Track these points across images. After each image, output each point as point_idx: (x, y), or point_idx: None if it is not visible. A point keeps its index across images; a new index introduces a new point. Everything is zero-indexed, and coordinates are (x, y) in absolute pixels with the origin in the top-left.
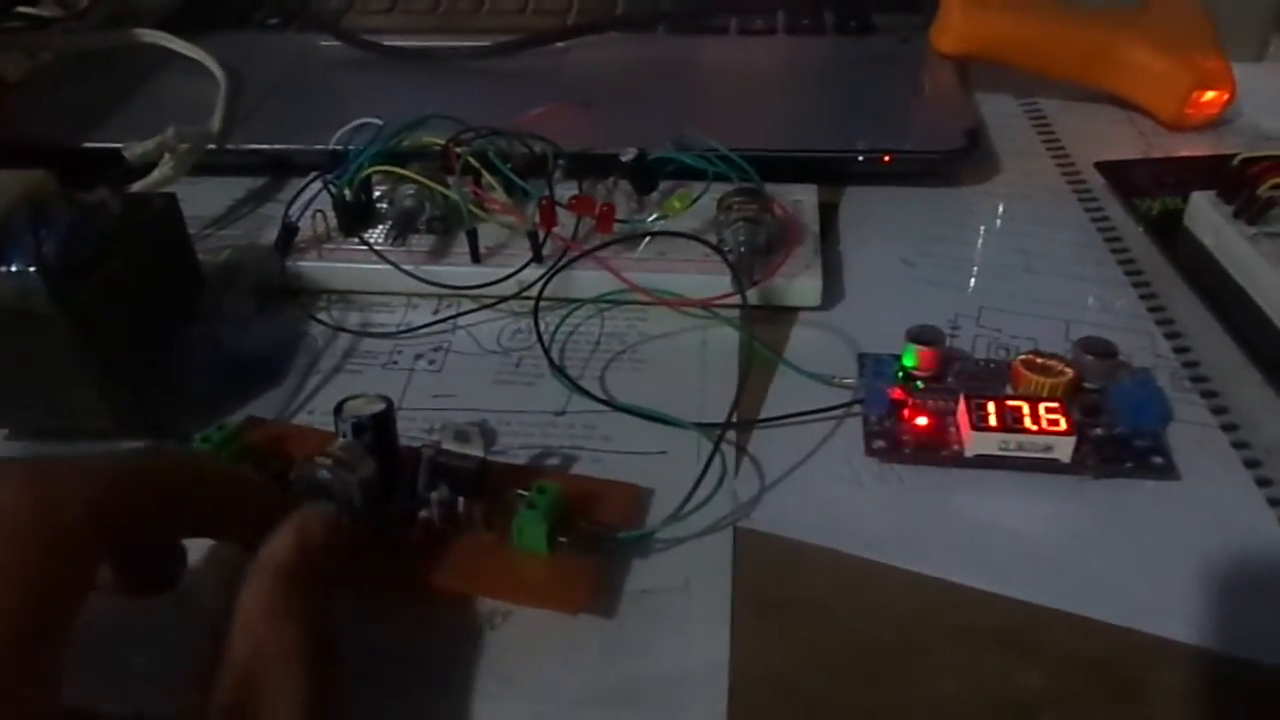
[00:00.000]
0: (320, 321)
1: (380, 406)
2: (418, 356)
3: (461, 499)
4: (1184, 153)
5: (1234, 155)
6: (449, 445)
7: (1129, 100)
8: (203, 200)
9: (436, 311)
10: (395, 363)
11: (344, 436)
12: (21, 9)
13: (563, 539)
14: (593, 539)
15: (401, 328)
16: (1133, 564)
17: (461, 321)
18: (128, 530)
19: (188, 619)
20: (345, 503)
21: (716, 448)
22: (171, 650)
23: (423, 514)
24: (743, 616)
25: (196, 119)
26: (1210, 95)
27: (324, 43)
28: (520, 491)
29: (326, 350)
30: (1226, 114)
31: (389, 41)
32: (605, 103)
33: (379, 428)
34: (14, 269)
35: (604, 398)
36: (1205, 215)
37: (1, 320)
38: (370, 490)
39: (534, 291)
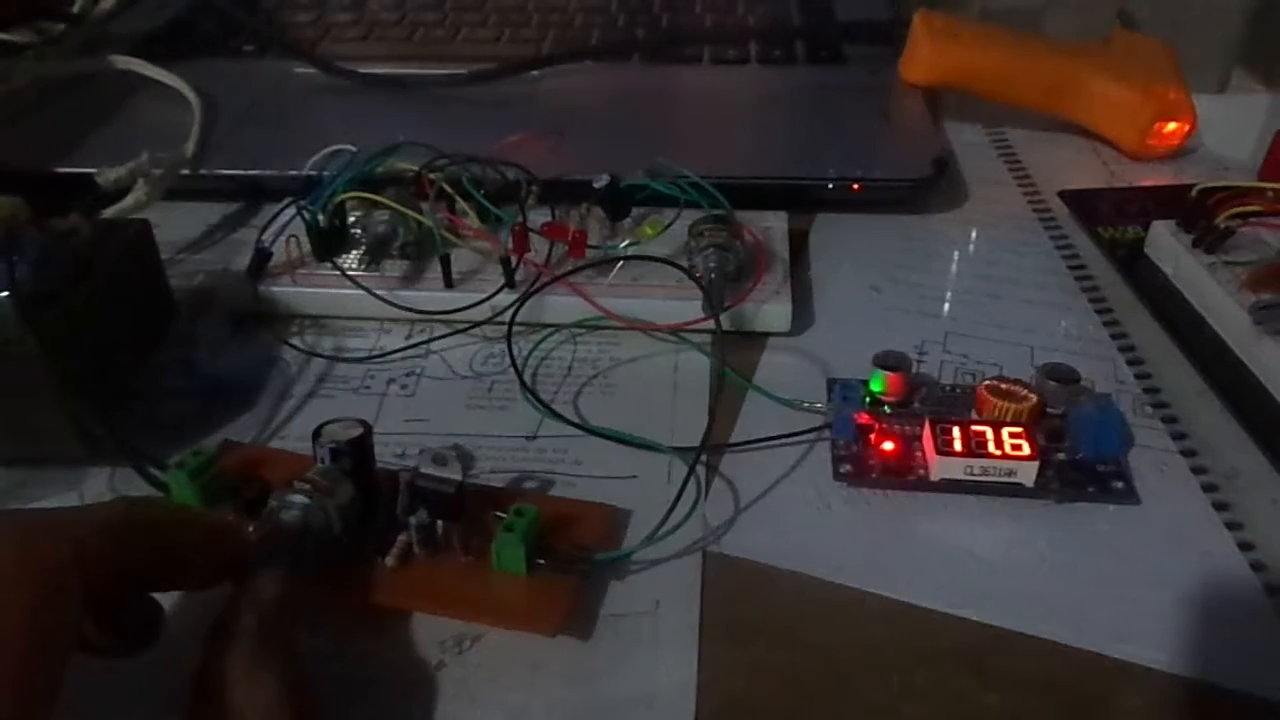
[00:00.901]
0: (293, 346)
1: (358, 431)
2: (390, 381)
3: (440, 522)
4: (1146, 182)
5: (1193, 185)
6: (427, 469)
7: (1093, 130)
8: (176, 225)
9: (409, 336)
10: (368, 387)
11: (322, 461)
12: (2, 36)
13: (540, 561)
14: (570, 561)
15: (374, 352)
16: (1094, 587)
17: (434, 346)
18: (110, 581)
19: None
20: (323, 528)
21: (691, 471)
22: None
23: (401, 537)
24: (710, 640)
25: (171, 144)
26: (1172, 126)
27: (299, 69)
28: (498, 514)
29: (300, 375)
30: (1188, 144)
31: (364, 69)
32: (578, 130)
33: (357, 452)
34: None
35: (577, 421)
36: (1165, 244)
37: None
38: (348, 515)
39: (507, 316)
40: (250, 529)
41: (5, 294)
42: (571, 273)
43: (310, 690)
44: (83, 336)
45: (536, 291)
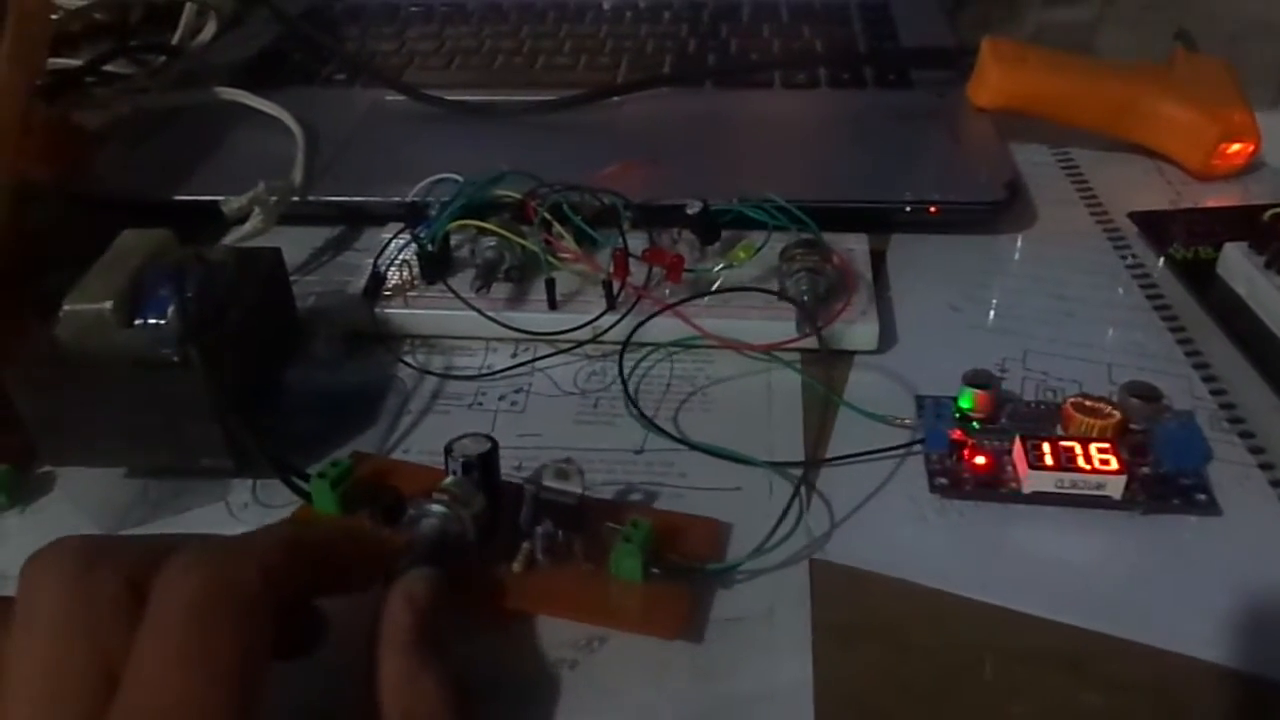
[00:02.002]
0: (408, 364)
1: (487, 446)
2: (500, 398)
3: (562, 532)
4: (1211, 202)
5: (1264, 207)
6: (549, 482)
7: (1158, 151)
8: (286, 249)
9: (515, 355)
10: (480, 404)
11: (454, 474)
12: (105, 68)
13: (655, 570)
14: (682, 570)
15: (483, 370)
16: (1182, 594)
17: (539, 365)
18: (292, 595)
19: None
20: (459, 536)
21: (800, 486)
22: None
23: (525, 546)
24: (821, 642)
25: (277, 172)
26: (1236, 147)
27: (389, 97)
28: (613, 525)
29: (415, 392)
30: (1252, 163)
31: (450, 95)
32: (663, 155)
33: (485, 466)
34: (150, 321)
35: (679, 436)
36: (1238, 265)
37: (135, 369)
38: (481, 524)
39: (609, 336)
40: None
41: (164, 321)
42: (680, 303)
43: (470, 696)
44: (234, 357)
45: (650, 318)
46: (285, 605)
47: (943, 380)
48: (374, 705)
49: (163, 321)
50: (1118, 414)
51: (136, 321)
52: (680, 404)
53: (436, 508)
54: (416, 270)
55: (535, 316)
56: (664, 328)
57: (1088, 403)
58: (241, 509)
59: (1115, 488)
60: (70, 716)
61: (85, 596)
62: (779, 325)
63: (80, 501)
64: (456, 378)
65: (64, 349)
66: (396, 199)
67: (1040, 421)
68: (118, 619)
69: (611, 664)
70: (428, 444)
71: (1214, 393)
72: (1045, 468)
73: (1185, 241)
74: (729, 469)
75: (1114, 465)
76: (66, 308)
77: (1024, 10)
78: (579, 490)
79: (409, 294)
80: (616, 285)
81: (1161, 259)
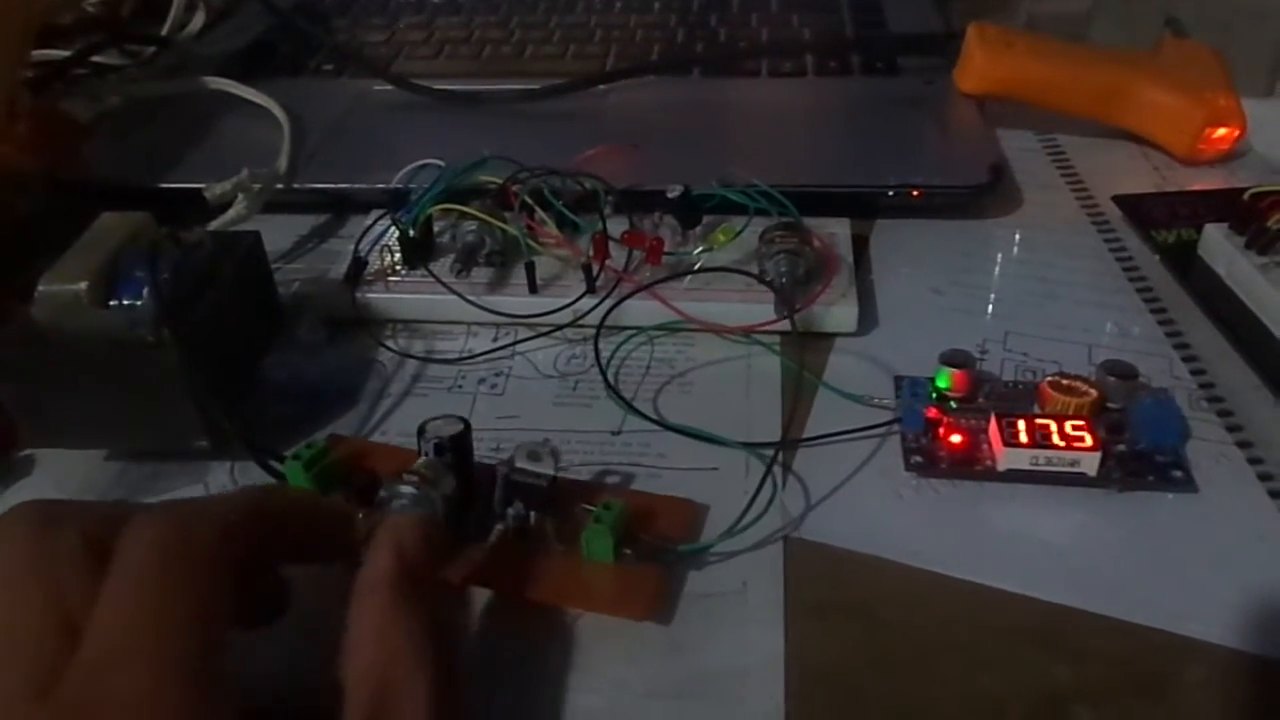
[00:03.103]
0: (388, 349)
1: (459, 428)
2: (480, 381)
3: (534, 514)
4: (1197, 186)
5: (1245, 189)
6: (522, 464)
7: (1144, 136)
8: (271, 236)
9: (495, 339)
10: (460, 387)
11: (426, 455)
12: (94, 58)
13: (627, 550)
14: (655, 551)
15: (464, 354)
16: (1156, 569)
17: (520, 348)
18: (251, 556)
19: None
20: (429, 517)
21: (771, 466)
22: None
23: (498, 527)
24: (795, 617)
25: (263, 160)
26: (1222, 131)
27: (377, 87)
28: (587, 506)
29: (395, 375)
30: (1238, 148)
31: (438, 85)
32: (647, 142)
33: (458, 447)
34: (125, 302)
35: (657, 418)
36: (1218, 246)
37: (111, 349)
38: (451, 505)
39: (589, 320)
40: (361, 516)
41: (141, 302)
42: (657, 282)
43: (455, 645)
44: (210, 339)
45: (625, 299)
46: (246, 567)
47: (923, 362)
48: (353, 649)
49: (139, 303)
50: (1094, 392)
51: (112, 302)
52: (660, 387)
53: (407, 488)
54: (398, 256)
55: (516, 300)
56: (644, 311)
57: (1065, 381)
58: (220, 490)
59: (1090, 465)
60: (27, 667)
61: (45, 553)
62: (758, 308)
63: (61, 485)
64: (437, 361)
65: (40, 329)
66: (381, 186)
67: (1018, 401)
68: (78, 574)
69: (586, 640)
70: (406, 427)
71: (1194, 373)
72: (1020, 445)
73: (1168, 224)
74: (706, 450)
75: (1089, 442)
76: (42, 288)
77: (1016, 1)
78: (551, 472)
79: (390, 279)
80: (596, 268)
81: (1144, 241)
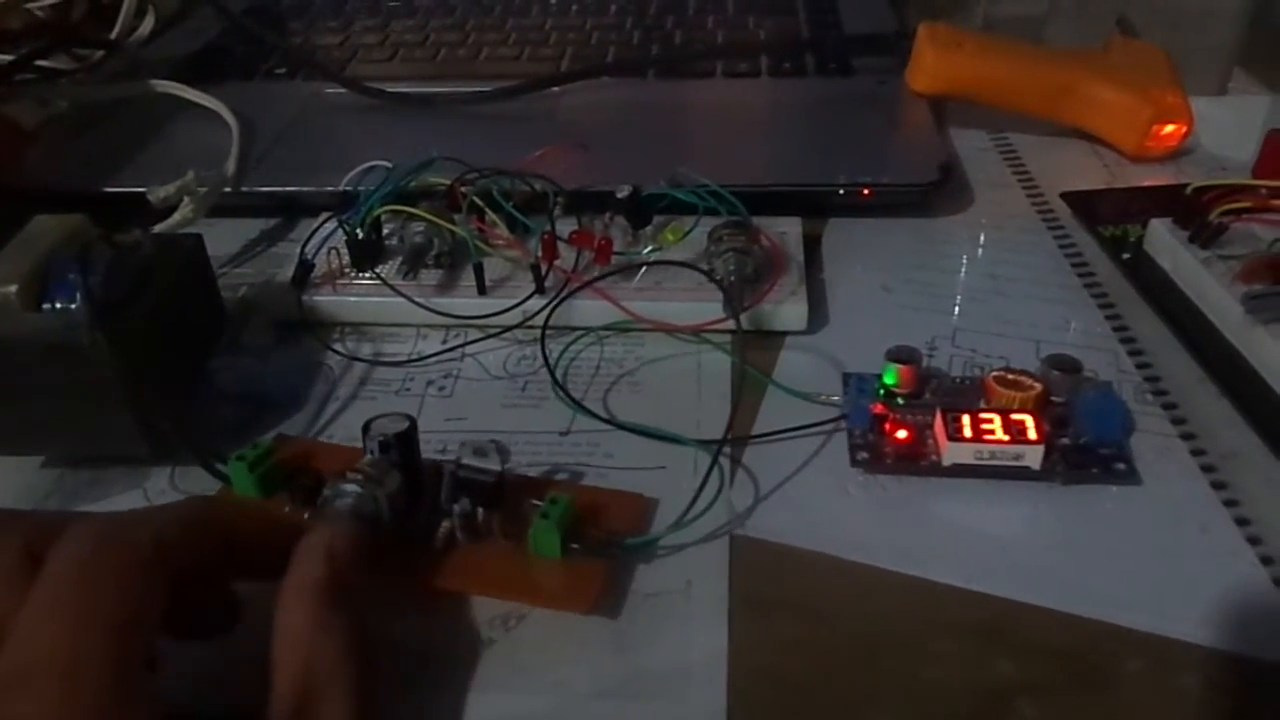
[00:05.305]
0: (336, 352)
1: (404, 425)
2: (429, 383)
3: (481, 510)
4: (1146, 182)
5: (1189, 184)
6: (468, 460)
7: (1094, 134)
8: (218, 240)
9: (445, 341)
10: (408, 389)
11: (371, 453)
12: (39, 62)
13: (575, 545)
14: (602, 545)
15: (413, 357)
16: (1099, 561)
17: (469, 350)
18: (188, 571)
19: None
20: (373, 515)
21: (715, 461)
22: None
23: (445, 524)
24: (739, 615)
25: (212, 164)
26: (1170, 128)
27: (329, 90)
28: (534, 502)
29: (343, 379)
30: (1186, 145)
31: (392, 88)
32: (600, 143)
33: (403, 445)
34: (58, 305)
35: (606, 417)
36: (1163, 240)
37: (44, 354)
38: (396, 503)
39: (538, 320)
40: (305, 517)
41: (76, 305)
42: (600, 278)
43: (375, 654)
44: (147, 343)
45: (567, 296)
46: (184, 578)
47: (873, 359)
48: (278, 655)
49: (72, 306)
50: (1039, 386)
51: (45, 306)
52: (609, 386)
53: (350, 487)
54: (346, 258)
55: (465, 302)
56: (594, 311)
57: (1009, 376)
58: (159, 496)
59: (1034, 458)
60: None
61: None
62: (708, 306)
63: None
64: (385, 364)
65: None
66: (330, 188)
67: (964, 396)
68: (11, 582)
69: (529, 640)
70: (353, 429)
71: (1139, 366)
72: (964, 439)
73: (1116, 220)
74: (655, 449)
75: (1033, 436)
76: None
77: (973, 3)
78: (497, 468)
79: (338, 281)
80: (545, 269)
81: (1092, 237)
